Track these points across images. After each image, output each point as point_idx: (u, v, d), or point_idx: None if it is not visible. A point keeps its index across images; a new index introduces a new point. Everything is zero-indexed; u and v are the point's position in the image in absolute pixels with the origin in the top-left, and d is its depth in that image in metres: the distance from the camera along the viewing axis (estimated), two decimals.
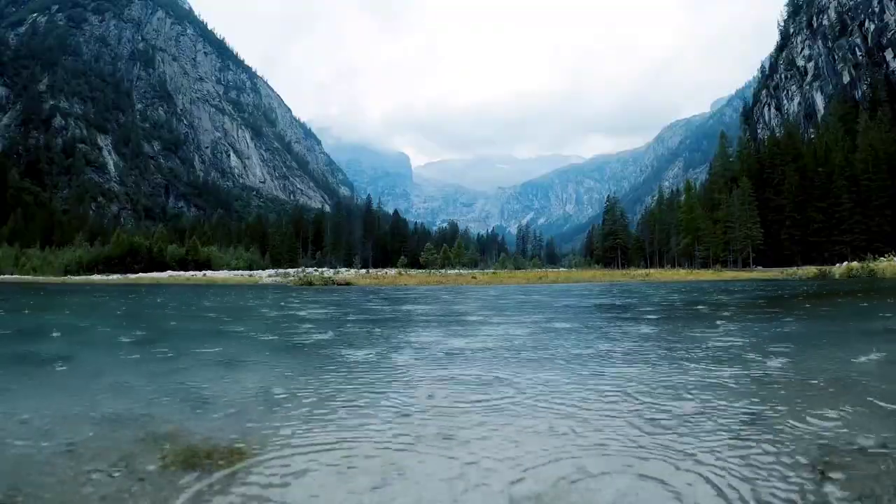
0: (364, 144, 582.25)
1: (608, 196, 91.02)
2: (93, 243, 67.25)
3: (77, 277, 43.86)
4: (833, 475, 1.34)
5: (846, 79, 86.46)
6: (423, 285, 21.39)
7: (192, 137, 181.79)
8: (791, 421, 1.82)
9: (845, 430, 1.70)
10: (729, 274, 34.05)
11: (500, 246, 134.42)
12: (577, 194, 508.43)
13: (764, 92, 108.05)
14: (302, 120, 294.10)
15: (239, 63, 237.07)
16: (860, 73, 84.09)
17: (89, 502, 1.25)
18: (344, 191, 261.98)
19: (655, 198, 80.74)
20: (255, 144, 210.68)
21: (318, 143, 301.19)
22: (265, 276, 34.53)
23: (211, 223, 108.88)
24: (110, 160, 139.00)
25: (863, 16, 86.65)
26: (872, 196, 49.79)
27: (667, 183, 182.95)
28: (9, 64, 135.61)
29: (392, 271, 39.46)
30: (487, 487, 1.31)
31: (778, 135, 70.97)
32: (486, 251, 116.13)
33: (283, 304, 10.46)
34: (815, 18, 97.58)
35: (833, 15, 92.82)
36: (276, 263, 67.67)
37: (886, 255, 27.45)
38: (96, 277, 41.38)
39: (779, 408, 2.01)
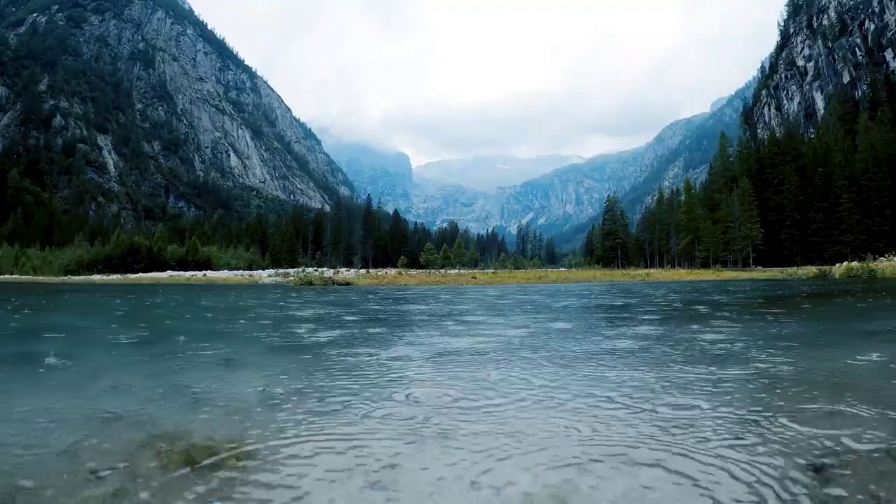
0: (364, 144, 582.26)
1: (608, 196, 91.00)
2: (93, 243, 67.22)
3: (77, 277, 43.85)
4: (833, 476, 1.34)
5: (846, 79, 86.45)
6: (423, 285, 21.39)
7: (192, 137, 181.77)
8: (792, 421, 1.82)
9: (846, 431, 1.69)
10: (729, 274, 34.05)
11: (500, 246, 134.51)
12: (577, 194, 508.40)
13: (764, 92, 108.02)
14: (302, 120, 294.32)
15: (239, 63, 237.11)
16: (860, 73, 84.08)
17: (89, 503, 1.25)
18: (344, 191, 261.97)
19: (655, 198, 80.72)
20: (255, 144, 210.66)
21: (318, 142, 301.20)
22: (265, 276, 34.52)
23: (211, 223, 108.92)
24: (110, 160, 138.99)
25: (863, 16, 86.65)
26: (872, 196, 49.77)
27: (667, 183, 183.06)
28: (9, 64, 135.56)
29: (392, 271, 39.45)
30: (488, 488, 1.31)
31: (778, 135, 70.97)
32: (486, 251, 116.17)
33: (282, 304, 10.46)
34: (815, 18, 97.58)
35: (833, 15, 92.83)
36: (276, 263, 67.66)
37: (886, 255, 27.47)
38: (96, 277, 41.37)
39: (779, 408, 2.01)
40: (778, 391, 2.32)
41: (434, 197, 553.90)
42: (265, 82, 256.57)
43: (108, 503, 1.24)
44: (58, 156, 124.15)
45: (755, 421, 1.84)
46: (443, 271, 41.33)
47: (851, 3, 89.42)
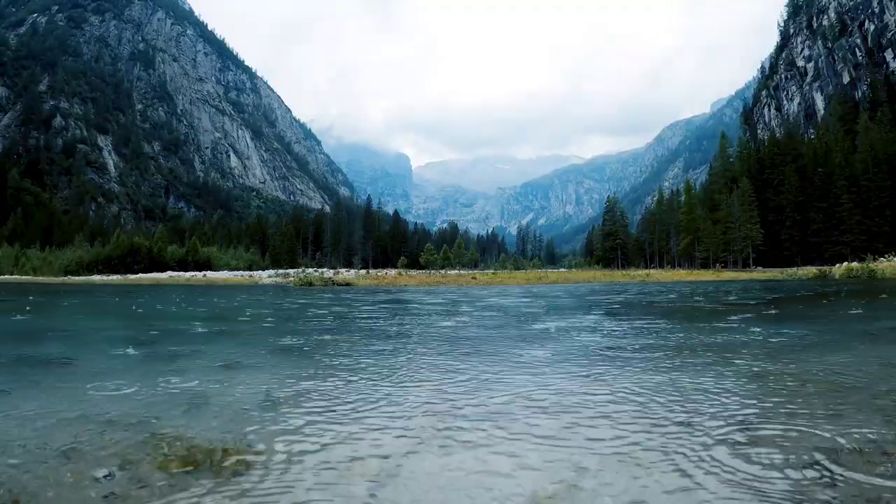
0: (364, 145, 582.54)
1: (608, 196, 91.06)
2: (93, 244, 67.22)
3: (77, 278, 43.84)
4: (834, 476, 1.34)
5: (846, 79, 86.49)
6: (423, 286, 21.39)
7: (192, 138, 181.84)
8: (792, 422, 1.82)
9: (847, 432, 1.69)
10: (729, 274, 34.04)
11: (500, 246, 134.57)
12: (577, 195, 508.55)
13: (764, 92, 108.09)
14: (302, 120, 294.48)
15: (239, 63, 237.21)
16: (860, 73, 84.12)
17: (89, 503, 1.25)
18: (344, 191, 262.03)
19: (655, 198, 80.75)
20: (255, 145, 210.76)
21: (318, 143, 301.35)
22: (265, 276, 34.53)
23: (211, 223, 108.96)
24: (110, 160, 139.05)
25: (863, 16, 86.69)
26: (872, 196, 49.79)
27: (667, 183, 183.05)
28: (9, 64, 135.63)
29: (392, 272, 39.46)
30: (488, 489, 1.31)
31: (778, 135, 71.01)
32: (486, 252, 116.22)
33: (282, 304, 10.46)
34: (815, 19, 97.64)
35: (833, 15, 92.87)
36: (276, 264, 67.68)
37: (886, 256, 27.46)
38: (96, 278, 41.37)
39: (779, 409, 2.01)
40: (778, 392, 2.31)
41: (434, 197, 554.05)
42: (265, 83, 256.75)
43: None
44: (58, 156, 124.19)
45: (755, 421, 1.84)
46: (443, 272, 41.33)
47: (851, 3, 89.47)
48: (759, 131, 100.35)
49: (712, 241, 56.80)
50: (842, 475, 1.35)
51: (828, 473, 1.36)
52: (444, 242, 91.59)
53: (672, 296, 11.98)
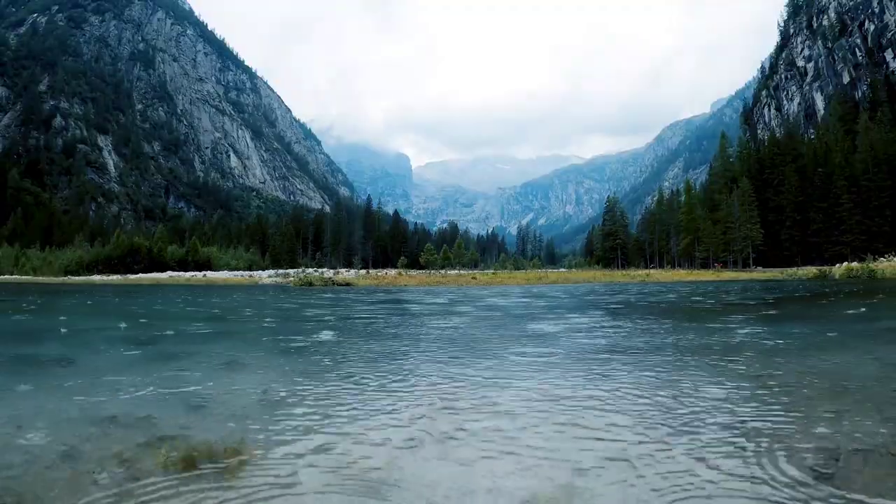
0: (364, 145, 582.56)
1: (608, 196, 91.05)
2: (93, 244, 67.22)
3: (77, 278, 43.84)
4: (834, 477, 1.34)
5: (846, 79, 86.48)
6: (423, 286, 21.39)
7: (192, 138, 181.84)
8: (792, 422, 1.82)
9: (847, 431, 1.69)
10: (729, 274, 34.05)
11: (500, 246, 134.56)
12: (577, 195, 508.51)
13: (764, 92, 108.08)
14: (302, 120, 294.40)
15: (239, 63, 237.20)
16: (860, 73, 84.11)
17: (90, 503, 1.25)
18: (344, 191, 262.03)
19: (655, 198, 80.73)
20: (255, 145, 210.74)
21: (318, 143, 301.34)
22: (265, 276, 34.53)
23: (211, 223, 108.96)
24: (110, 160, 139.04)
25: (863, 16, 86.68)
26: (872, 196, 49.77)
27: (667, 183, 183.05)
28: (9, 64, 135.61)
29: (392, 272, 39.45)
30: (488, 490, 1.31)
31: (778, 135, 71.00)
32: (486, 252, 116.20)
33: (282, 305, 10.46)
34: (815, 19, 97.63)
35: (833, 15, 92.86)
36: (276, 264, 67.68)
37: (886, 256, 27.45)
38: (96, 278, 41.38)
39: (780, 409, 2.01)
40: (778, 392, 2.31)
41: (434, 197, 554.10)
42: (265, 83, 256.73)
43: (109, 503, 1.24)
44: (58, 156, 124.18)
45: (755, 421, 1.84)
46: (443, 272, 41.32)
47: (851, 3, 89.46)
48: (759, 131, 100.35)
49: (712, 241, 56.79)
50: (842, 475, 1.34)
51: (828, 473, 1.35)
52: (444, 242, 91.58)
53: (672, 296, 11.98)
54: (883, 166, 50.33)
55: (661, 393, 2.31)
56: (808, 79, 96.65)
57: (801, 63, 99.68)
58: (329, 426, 1.86)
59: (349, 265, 72.46)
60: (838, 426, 1.76)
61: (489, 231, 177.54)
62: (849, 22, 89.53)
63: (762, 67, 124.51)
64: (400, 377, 2.80)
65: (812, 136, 70.77)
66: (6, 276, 46.22)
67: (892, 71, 77.96)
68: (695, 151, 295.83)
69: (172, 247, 65.57)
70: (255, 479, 1.36)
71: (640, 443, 1.63)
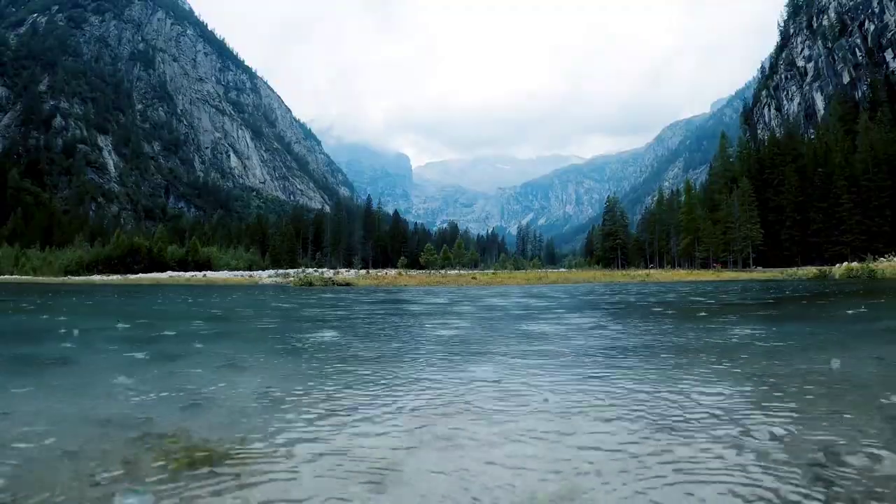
0: (364, 145, 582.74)
1: (608, 196, 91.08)
2: (93, 244, 67.24)
3: (77, 278, 43.85)
4: (835, 477, 1.34)
5: (846, 79, 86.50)
6: (423, 286, 21.39)
7: (192, 138, 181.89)
8: (792, 422, 1.82)
9: (847, 432, 1.70)
10: (728, 274, 34.06)
11: (500, 246, 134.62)
12: (577, 195, 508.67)
13: (764, 92, 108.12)
14: (302, 120, 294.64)
15: (239, 63, 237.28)
16: (860, 73, 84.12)
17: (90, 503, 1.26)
18: (344, 191, 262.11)
19: (655, 198, 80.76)
20: (255, 145, 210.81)
21: (318, 143, 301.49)
22: (265, 276, 34.54)
23: (211, 223, 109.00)
24: (110, 160, 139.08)
25: (863, 16, 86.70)
26: (872, 196, 49.79)
27: (667, 183, 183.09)
28: (9, 64, 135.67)
29: (392, 272, 39.44)
30: (487, 490, 1.31)
31: (778, 135, 71.01)
32: (486, 252, 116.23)
33: (282, 305, 10.46)
34: (815, 19, 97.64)
35: (833, 15, 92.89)
36: (276, 264, 67.70)
37: (886, 256, 27.45)
38: (96, 278, 41.39)
39: (780, 409, 2.01)
40: (777, 392, 2.31)
41: (434, 197, 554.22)
42: (265, 83, 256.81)
43: None
44: (58, 156, 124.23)
45: (755, 421, 1.84)
46: (443, 272, 41.31)
47: (851, 3, 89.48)
48: (759, 131, 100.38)
49: (712, 241, 56.81)
50: (842, 475, 1.34)
51: (828, 473, 1.36)
52: (444, 242, 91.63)
53: (672, 296, 11.98)
54: (883, 166, 50.35)
55: (661, 393, 2.31)
56: (808, 79, 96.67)
57: (801, 63, 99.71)
58: (329, 426, 1.86)
59: (349, 265, 72.48)
60: (838, 426, 1.76)
61: (489, 231, 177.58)
62: (849, 22, 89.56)
63: (762, 67, 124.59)
64: (399, 378, 2.79)
65: (812, 136, 70.78)
66: (6, 276, 46.23)
67: (892, 71, 77.98)
68: (695, 151, 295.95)
69: (172, 247, 65.61)
70: (255, 479, 1.36)
71: (641, 443, 1.63)
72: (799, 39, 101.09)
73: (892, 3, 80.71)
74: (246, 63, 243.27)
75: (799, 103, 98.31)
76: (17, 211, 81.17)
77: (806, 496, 1.23)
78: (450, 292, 15.34)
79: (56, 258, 58.69)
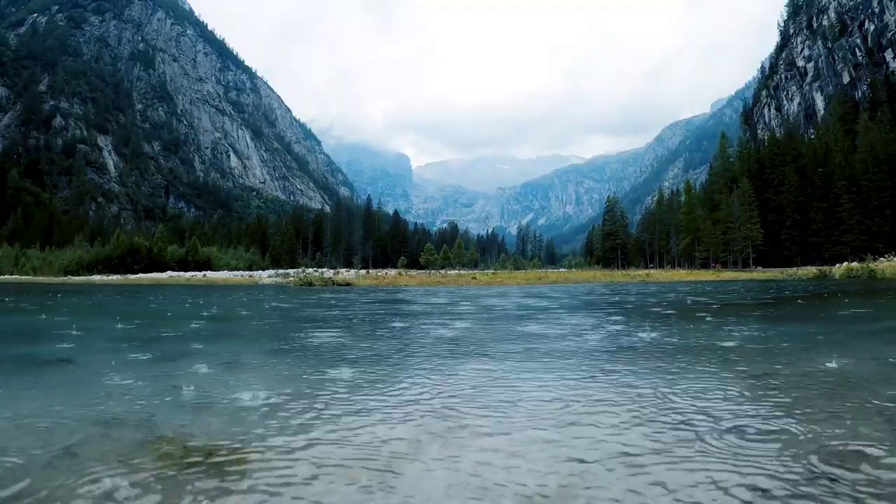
0: (364, 145, 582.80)
1: (608, 196, 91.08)
2: (93, 244, 67.23)
3: (77, 278, 43.85)
4: (834, 476, 1.34)
5: (846, 79, 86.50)
6: (423, 286, 21.38)
7: (192, 138, 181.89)
8: (792, 422, 1.82)
9: (847, 432, 1.70)
10: (728, 274, 34.06)
11: (500, 246, 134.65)
12: (577, 195, 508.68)
13: (764, 92, 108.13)
14: (302, 120, 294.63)
15: (239, 63, 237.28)
16: (860, 73, 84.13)
17: (89, 503, 1.25)
18: (344, 191, 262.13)
19: (655, 198, 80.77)
20: (255, 145, 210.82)
21: (318, 143, 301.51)
22: (265, 276, 34.54)
23: (211, 223, 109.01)
24: (110, 160, 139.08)
25: (863, 16, 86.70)
26: (872, 196, 49.78)
27: (667, 183, 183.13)
28: (9, 64, 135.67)
29: (392, 272, 39.44)
30: (487, 489, 1.31)
31: (778, 135, 71.02)
32: (486, 252, 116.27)
33: (282, 305, 10.46)
34: (815, 19, 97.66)
35: (833, 15, 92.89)
36: (276, 264, 67.70)
37: (886, 256, 27.45)
38: (96, 278, 41.39)
39: (780, 409, 2.01)
40: (777, 392, 2.31)
41: (434, 197, 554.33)
42: (265, 83, 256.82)
43: None
44: (58, 156, 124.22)
45: (755, 421, 1.84)
46: (443, 272, 41.31)
47: (851, 3, 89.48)
48: (759, 131, 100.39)
49: (712, 241, 56.80)
50: (842, 475, 1.34)
51: (828, 473, 1.35)
52: (444, 242, 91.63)
53: (672, 296, 11.98)
54: (883, 166, 50.35)
55: (661, 393, 2.31)
56: (808, 79, 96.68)
57: (801, 63, 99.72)
58: (329, 426, 1.86)
59: (349, 265, 72.49)
60: (838, 426, 1.76)
61: (489, 231, 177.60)
62: (849, 22, 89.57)
63: (762, 67, 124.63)
64: (400, 377, 2.79)
65: (812, 136, 70.78)
66: (6, 276, 46.23)
67: (892, 71, 77.98)
68: (695, 151, 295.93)
69: (172, 247, 65.60)
70: (256, 480, 1.36)
71: (640, 443, 1.63)
72: (799, 39, 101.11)
73: (892, 3, 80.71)
74: (246, 63, 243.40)
75: (799, 103, 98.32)
76: (17, 211, 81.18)
77: (806, 496, 1.23)
78: (450, 292, 15.34)
79: (56, 258, 58.68)
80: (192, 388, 2.52)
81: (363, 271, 41.39)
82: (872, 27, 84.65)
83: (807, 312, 7.54)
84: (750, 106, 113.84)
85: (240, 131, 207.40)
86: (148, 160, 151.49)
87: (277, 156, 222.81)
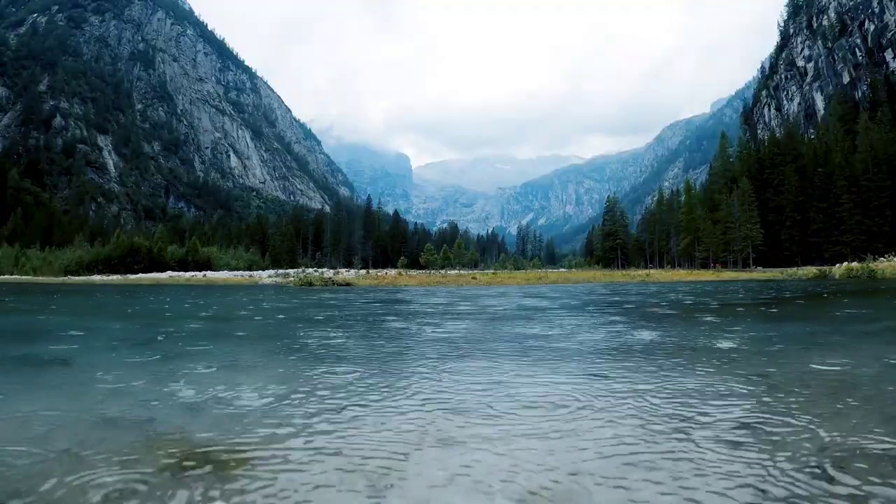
0: (364, 145, 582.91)
1: (608, 196, 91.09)
2: (93, 244, 67.25)
3: (77, 278, 43.85)
4: (834, 476, 1.34)
5: (846, 79, 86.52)
6: (423, 286, 21.38)
7: (192, 138, 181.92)
8: (793, 423, 1.82)
9: (847, 432, 1.69)
10: (728, 274, 34.06)
11: (500, 246, 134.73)
12: (576, 195, 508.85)
13: (764, 92, 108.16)
14: (302, 120, 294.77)
15: (239, 63, 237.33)
16: (860, 73, 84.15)
17: None
18: (344, 191, 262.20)
19: (655, 198, 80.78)
20: (255, 145, 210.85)
21: (318, 143, 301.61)
22: (265, 276, 34.54)
23: (211, 223, 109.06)
24: (110, 160, 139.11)
25: (863, 16, 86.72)
26: (872, 196, 49.80)
27: (667, 183, 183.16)
28: (9, 64, 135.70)
29: (392, 272, 39.43)
30: (487, 490, 1.31)
31: (778, 135, 71.00)
32: (486, 252, 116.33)
33: (282, 305, 10.46)
34: (814, 19, 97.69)
35: (833, 15, 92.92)
36: (276, 264, 67.71)
37: (886, 256, 27.45)
38: (96, 278, 41.39)
39: (779, 409, 2.01)
40: (777, 392, 2.31)
41: (434, 197, 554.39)
42: (265, 83, 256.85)
43: None
44: (58, 156, 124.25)
45: (755, 421, 1.84)
46: (443, 272, 41.31)
47: (851, 3, 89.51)
48: (759, 131, 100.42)
49: (712, 241, 56.81)
50: (842, 476, 1.34)
51: (828, 474, 1.36)
52: (444, 242, 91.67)
53: (672, 296, 11.98)
54: (883, 166, 50.36)
55: (661, 393, 2.31)
56: (808, 79, 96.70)
57: (801, 63, 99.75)
58: (329, 426, 1.86)
59: (349, 265, 72.50)
60: (838, 426, 1.75)
61: (489, 231, 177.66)
62: (849, 22, 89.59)
63: (762, 67, 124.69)
64: (399, 377, 2.79)
65: (812, 136, 70.79)
66: (6, 276, 46.24)
67: (892, 71, 78.00)
68: (695, 151, 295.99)
69: (172, 247, 65.62)
70: (256, 480, 1.36)
71: (641, 443, 1.63)
72: (799, 39, 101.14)
73: (892, 4, 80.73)
74: (246, 63, 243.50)
75: (799, 103, 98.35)
76: (17, 211, 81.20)
77: (806, 497, 1.23)
78: (449, 292, 15.34)
79: (56, 258, 58.69)
80: (191, 388, 2.52)
81: (363, 271, 41.38)
82: (872, 27, 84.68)
83: (807, 312, 7.54)
84: (750, 106, 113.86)
85: (240, 131, 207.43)
86: (148, 160, 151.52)
87: (277, 156, 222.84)
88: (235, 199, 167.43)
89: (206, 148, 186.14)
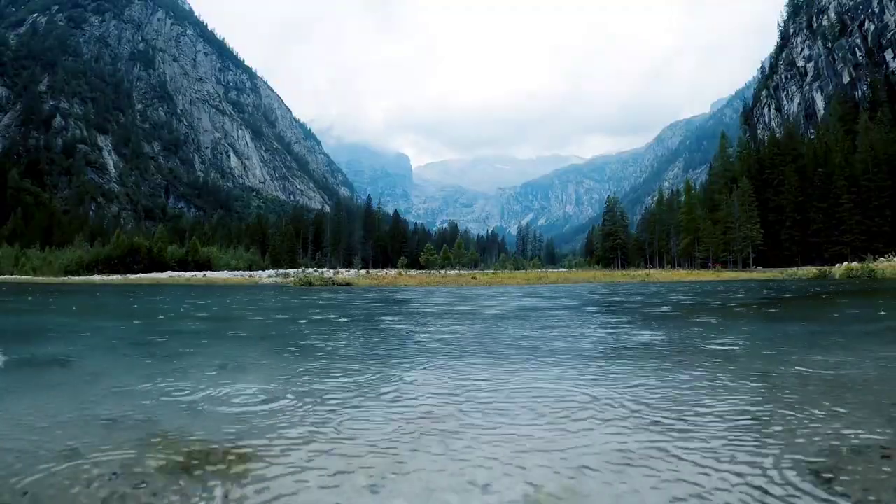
0: (364, 145, 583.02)
1: (608, 196, 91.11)
2: (93, 244, 67.25)
3: (77, 278, 43.85)
4: (835, 478, 1.34)
5: (846, 79, 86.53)
6: (423, 286, 21.37)
7: (192, 138, 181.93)
8: (792, 423, 1.82)
9: (847, 432, 1.70)
10: (728, 274, 34.05)
11: (500, 246, 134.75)
12: (576, 195, 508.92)
13: (764, 92, 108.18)
14: (302, 120, 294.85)
15: (239, 63, 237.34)
16: (860, 73, 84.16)
17: None
18: (344, 191, 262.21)
19: (655, 198, 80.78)
20: (255, 145, 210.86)
21: (318, 143, 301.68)
22: (265, 276, 34.53)
23: (211, 223, 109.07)
24: (110, 160, 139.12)
25: (863, 16, 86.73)
26: (872, 196, 49.80)
27: (667, 183, 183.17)
28: (9, 64, 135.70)
29: (392, 272, 39.43)
30: (487, 489, 1.32)
31: (778, 135, 70.99)
32: (486, 252, 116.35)
33: (282, 305, 10.46)
34: (814, 19, 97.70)
35: (833, 15, 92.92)
36: (276, 264, 67.72)
37: (886, 256, 27.45)
38: (96, 278, 41.38)
39: (779, 409, 2.01)
40: (777, 392, 2.31)
41: (434, 197, 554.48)
42: (265, 83, 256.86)
43: None
44: (58, 156, 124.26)
45: (756, 422, 1.84)
46: (443, 272, 41.30)
47: (851, 3, 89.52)
48: (759, 131, 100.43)
49: (712, 241, 56.80)
50: (842, 476, 1.34)
51: (828, 474, 1.36)
52: (444, 242, 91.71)
53: (672, 296, 11.98)
54: (883, 166, 50.36)
55: (661, 393, 2.31)
56: (808, 79, 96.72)
57: (801, 63, 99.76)
58: (328, 426, 1.86)
59: (349, 265, 72.50)
60: (838, 426, 1.76)
61: (489, 231, 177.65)
62: (849, 22, 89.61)
63: (762, 67, 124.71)
64: (399, 377, 2.79)
65: (812, 136, 70.79)
66: (6, 276, 46.24)
67: (892, 71, 78.00)
68: (695, 151, 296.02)
69: (172, 247, 65.63)
70: (256, 480, 1.36)
71: (640, 443, 1.63)
72: (799, 39, 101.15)
73: (892, 4, 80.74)
74: (246, 63, 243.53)
75: (799, 103, 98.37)
76: (17, 211, 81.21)
77: (806, 496, 1.23)
78: (449, 292, 15.34)
79: (56, 258, 58.69)
80: (191, 388, 2.52)
81: (363, 271, 41.37)
82: (872, 27, 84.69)
83: (807, 312, 7.54)
84: (750, 106, 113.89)
85: (240, 131, 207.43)
86: (148, 160, 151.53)
87: (277, 156, 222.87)
88: (235, 199, 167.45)
89: (206, 148, 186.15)
